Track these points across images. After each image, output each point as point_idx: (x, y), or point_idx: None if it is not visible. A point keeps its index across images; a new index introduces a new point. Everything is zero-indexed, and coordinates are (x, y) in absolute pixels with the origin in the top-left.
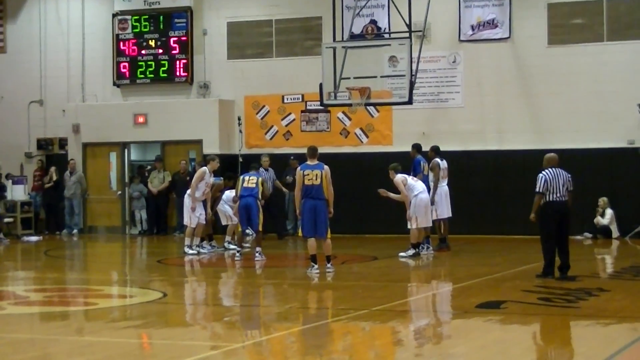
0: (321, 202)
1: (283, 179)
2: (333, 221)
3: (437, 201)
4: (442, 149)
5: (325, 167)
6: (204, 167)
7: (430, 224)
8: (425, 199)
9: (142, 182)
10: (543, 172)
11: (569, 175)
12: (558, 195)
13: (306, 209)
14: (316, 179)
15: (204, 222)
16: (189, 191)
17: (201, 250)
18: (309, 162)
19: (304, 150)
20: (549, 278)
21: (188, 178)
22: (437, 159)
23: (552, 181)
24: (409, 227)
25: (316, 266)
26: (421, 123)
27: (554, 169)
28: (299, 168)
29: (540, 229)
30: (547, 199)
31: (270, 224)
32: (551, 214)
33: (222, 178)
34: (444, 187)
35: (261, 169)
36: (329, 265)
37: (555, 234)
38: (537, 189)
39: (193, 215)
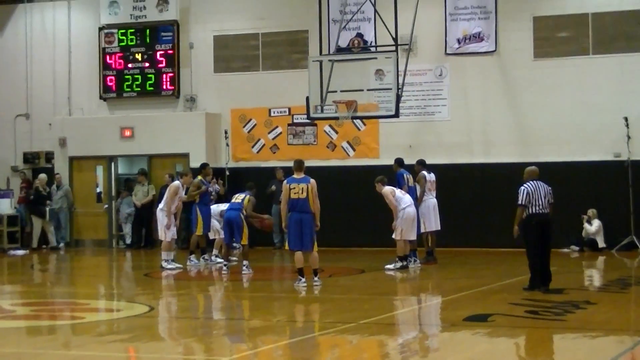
0: (307, 215)
1: (268, 190)
2: (320, 234)
3: (425, 214)
4: (428, 161)
5: (312, 180)
6: (177, 182)
7: (415, 238)
8: (412, 212)
9: (130, 196)
10: (525, 184)
11: (550, 188)
12: (540, 207)
13: (292, 223)
14: (302, 193)
15: (176, 237)
16: (160, 206)
17: (193, 262)
18: (295, 176)
19: (291, 164)
20: (536, 290)
21: None
22: (424, 172)
23: (534, 193)
24: (393, 237)
25: (303, 279)
26: (408, 136)
27: (534, 181)
28: (285, 181)
29: (524, 242)
30: (529, 211)
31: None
32: (534, 226)
33: (199, 177)
34: (432, 199)
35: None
36: (316, 278)
37: (538, 246)
38: (519, 202)
39: (167, 230)
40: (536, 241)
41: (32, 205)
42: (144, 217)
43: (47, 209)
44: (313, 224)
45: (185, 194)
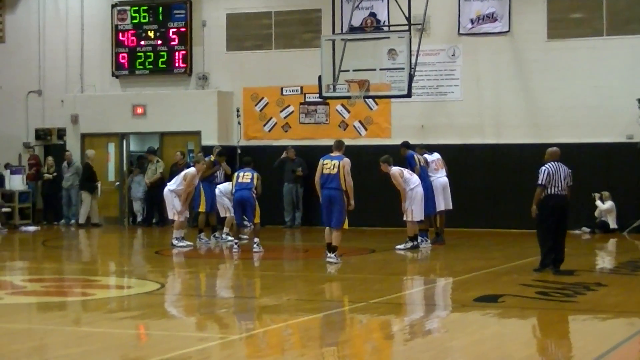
0: (336, 191)
1: (296, 170)
2: None
3: (434, 194)
4: (440, 142)
5: (345, 158)
6: (193, 169)
7: (423, 218)
8: (420, 192)
9: (142, 174)
10: (546, 165)
11: (570, 170)
12: (559, 188)
13: (323, 199)
14: (333, 169)
15: (189, 216)
16: (170, 186)
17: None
18: (332, 154)
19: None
20: (546, 270)
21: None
22: (425, 155)
23: (554, 175)
24: (404, 218)
25: (329, 254)
26: (420, 116)
27: (556, 162)
28: (321, 159)
29: (538, 221)
30: (548, 192)
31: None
32: (552, 207)
33: (212, 157)
34: (440, 179)
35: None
36: (330, 254)
37: (553, 227)
38: (539, 182)
39: (180, 214)
40: (551, 222)
41: (83, 181)
42: (155, 195)
43: (97, 184)
44: (342, 201)
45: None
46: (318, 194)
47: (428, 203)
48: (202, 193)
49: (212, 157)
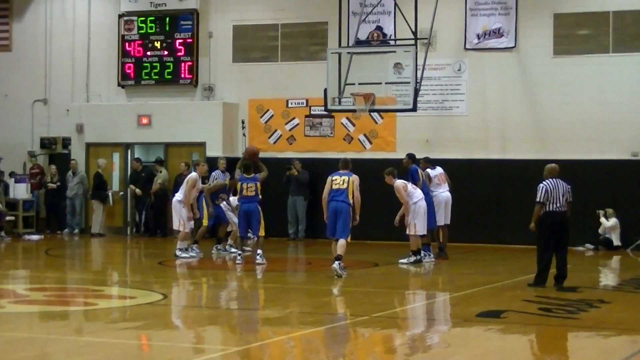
0: (343, 204)
1: (290, 169)
2: None
3: (436, 208)
4: (445, 156)
5: (354, 175)
6: (195, 174)
7: (426, 232)
8: (424, 206)
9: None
10: (544, 182)
11: (569, 187)
12: (557, 205)
13: (329, 210)
14: (343, 184)
15: (192, 227)
16: (178, 196)
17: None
18: (340, 171)
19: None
20: (540, 287)
21: None
22: (428, 170)
23: (553, 191)
24: (407, 232)
25: (335, 262)
26: (425, 130)
27: (554, 179)
28: (330, 176)
29: (537, 238)
30: (547, 208)
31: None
32: (550, 224)
33: (227, 176)
34: (443, 193)
35: (218, 171)
36: (335, 263)
37: (553, 244)
38: (537, 199)
39: (187, 221)
40: (550, 239)
41: (93, 189)
42: (156, 204)
43: (109, 193)
44: (348, 214)
45: (202, 183)
46: (323, 210)
47: (429, 217)
48: (205, 206)
49: (228, 171)
